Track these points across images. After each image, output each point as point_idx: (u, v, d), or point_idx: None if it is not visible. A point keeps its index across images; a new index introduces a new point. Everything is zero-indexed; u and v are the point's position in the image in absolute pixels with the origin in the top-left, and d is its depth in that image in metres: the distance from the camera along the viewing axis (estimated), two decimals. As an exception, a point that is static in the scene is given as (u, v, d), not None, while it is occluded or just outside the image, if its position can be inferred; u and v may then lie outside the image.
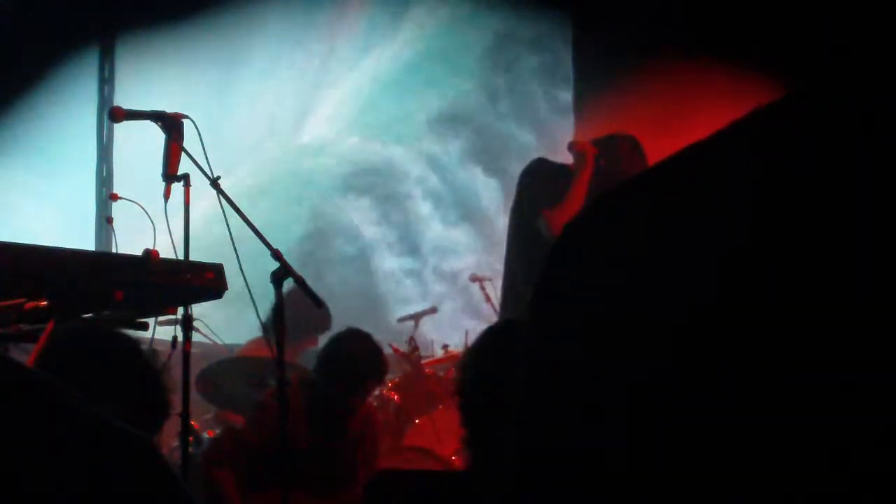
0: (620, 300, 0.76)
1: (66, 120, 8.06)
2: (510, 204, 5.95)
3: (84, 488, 1.15)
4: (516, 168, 6.27)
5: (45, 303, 3.34)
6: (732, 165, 0.77)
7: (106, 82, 8.23)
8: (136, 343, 2.80)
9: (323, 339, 7.70)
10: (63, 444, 1.16)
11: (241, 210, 4.07)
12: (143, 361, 2.72)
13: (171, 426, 4.11)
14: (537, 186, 5.61)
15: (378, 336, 5.24)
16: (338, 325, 6.29)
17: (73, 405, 1.19)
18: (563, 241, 0.84)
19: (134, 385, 2.61)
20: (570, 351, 0.79)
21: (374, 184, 9.38)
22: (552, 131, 8.92)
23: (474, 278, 7.47)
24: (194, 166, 4.04)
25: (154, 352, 2.84)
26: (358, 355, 4.98)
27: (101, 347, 2.71)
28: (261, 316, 4.39)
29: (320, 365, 5.02)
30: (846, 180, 0.71)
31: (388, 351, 6.34)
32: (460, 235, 9.17)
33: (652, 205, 0.79)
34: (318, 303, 4.10)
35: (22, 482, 1.12)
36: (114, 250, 4.31)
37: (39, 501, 1.13)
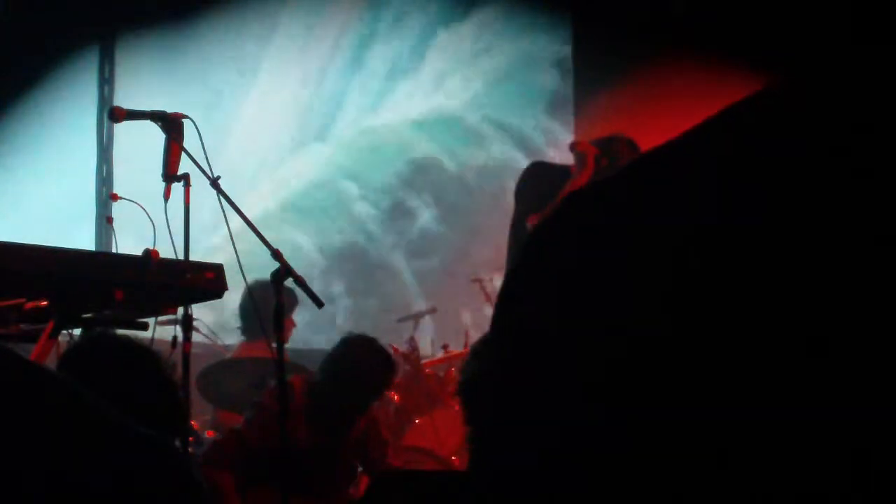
0: (587, 304, 0.75)
1: (66, 120, 8.06)
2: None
3: (96, 486, 1.15)
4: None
5: (45, 303, 3.34)
6: (704, 162, 0.77)
7: (106, 82, 8.23)
8: (156, 354, 2.81)
9: (317, 337, 7.70)
10: (75, 441, 1.16)
11: (241, 210, 4.07)
12: (162, 374, 2.72)
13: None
14: (532, 190, 5.60)
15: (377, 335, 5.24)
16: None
17: (86, 403, 1.19)
18: (530, 245, 0.82)
19: (151, 397, 2.61)
20: (531, 360, 0.78)
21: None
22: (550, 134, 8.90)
23: (474, 278, 7.46)
24: (194, 166, 4.04)
25: (173, 366, 2.84)
26: (369, 364, 4.95)
27: (122, 357, 2.71)
28: (254, 318, 4.39)
29: (328, 369, 4.99)
30: (817, 175, 0.71)
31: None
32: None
33: (621, 206, 0.78)
34: (318, 304, 4.10)
35: (30, 480, 1.12)
36: (114, 250, 4.31)
37: (49, 500, 1.13)
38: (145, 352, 2.78)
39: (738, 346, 0.69)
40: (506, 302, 0.82)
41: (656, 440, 0.70)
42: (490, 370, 0.81)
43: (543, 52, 9.07)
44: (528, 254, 0.82)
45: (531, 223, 5.41)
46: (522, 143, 9.08)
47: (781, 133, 0.74)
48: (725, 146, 0.76)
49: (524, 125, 9.10)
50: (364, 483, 5.30)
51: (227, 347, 6.95)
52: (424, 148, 9.10)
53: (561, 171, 5.67)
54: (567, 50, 8.88)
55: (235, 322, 6.72)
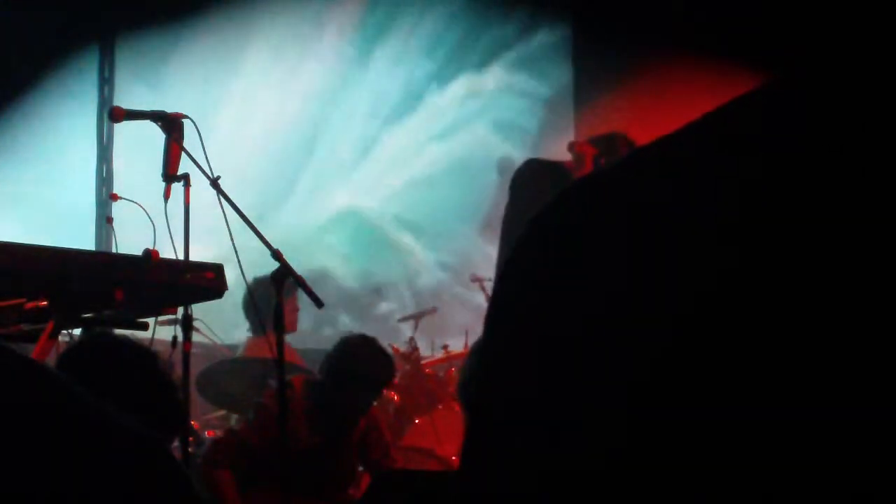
0: (581, 309, 0.74)
1: (66, 120, 8.06)
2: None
3: (89, 486, 1.15)
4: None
5: (45, 303, 3.34)
6: (704, 156, 0.76)
7: (106, 82, 8.24)
8: (154, 355, 2.81)
9: (318, 336, 7.69)
10: (70, 439, 1.16)
11: (241, 210, 4.07)
12: (161, 374, 2.73)
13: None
14: (529, 188, 5.57)
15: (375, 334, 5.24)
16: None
17: (80, 400, 1.19)
18: (526, 238, 0.80)
19: (150, 397, 2.61)
20: (520, 371, 0.76)
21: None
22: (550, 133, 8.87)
23: (474, 278, 7.46)
24: (194, 166, 4.04)
25: (172, 366, 2.85)
26: (368, 363, 4.95)
27: (120, 357, 2.72)
28: (257, 316, 4.40)
29: (329, 370, 4.99)
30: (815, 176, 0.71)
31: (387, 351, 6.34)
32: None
33: (621, 199, 0.77)
34: (318, 304, 4.10)
35: (25, 479, 1.12)
36: (114, 250, 4.32)
37: (44, 499, 1.13)
38: (143, 352, 2.78)
39: (748, 346, 0.69)
40: (501, 299, 0.80)
41: (677, 451, 0.69)
42: (485, 372, 0.79)
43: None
44: (524, 247, 0.80)
45: None
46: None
47: (780, 129, 0.74)
48: (725, 141, 0.76)
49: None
50: (365, 483, 5.30)
51: (229, 347, 6.95)
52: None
53: (558, 168, 5.64)
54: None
55: (232, 321, 6.73)
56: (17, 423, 1.15)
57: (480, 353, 0.82)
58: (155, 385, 2.68)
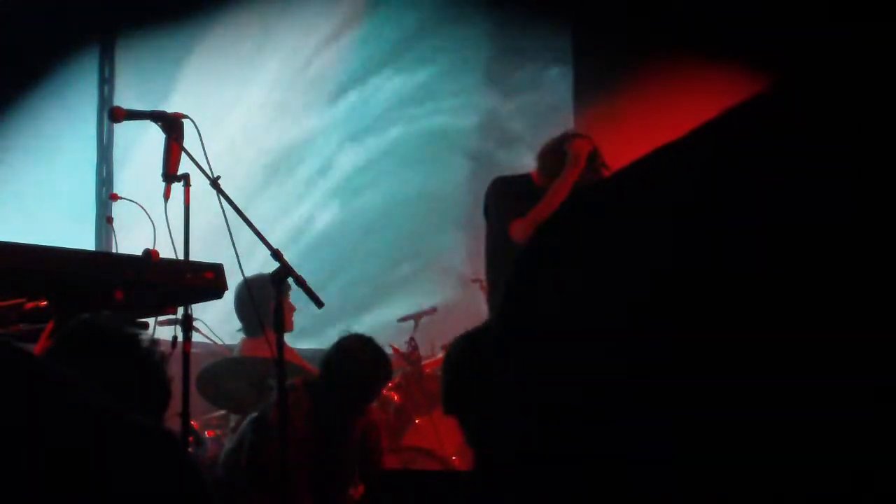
0: (580, 311, 0.76)
1: (66, 120, 8.06)
2: None
3: (99, 481, 1.15)
4: None
5: (45, 303, 3.34)
6: (693, 173, 0.77)
7: (106, 82, 8.24)
8: (135, 333, 2.80)
9: (320, 337, 7.69)
10: (77, 436, 1.17)
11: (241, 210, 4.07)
12: (142, 351, 2.72)
13: (171, 426, 4.12)
14: (499, 207, 5.62)
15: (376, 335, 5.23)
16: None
17: (88, 398, 1.19)
18: (533, 244, 0.82)
19: (132, 375, 2.60)
20: (531, 363, 0.78)
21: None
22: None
23: (475, 278, 7.45)
24: (194, 166, 4.04)
25: (154, 342, 2.83)
26: (363, 363, 4.95)
27: (101, 337, 2.71)
28: (253, 314, 4.40)
29: (326, 371, 4.99)
30: (802, 189, 0.71)
31: (387, 351, 6.33)
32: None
33: (612, 212, 0.79)
34: (318, 304, 4.10)
35: (36, 477, 1.13)
36: (114, 250, 4.32)
37: (55, 495, 1.13)
38: (125, 331, 2.77)
39: (741, 353, 0.69)
40: (513, 303, 0.82)
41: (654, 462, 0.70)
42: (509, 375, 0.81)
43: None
44: (530, 255, 0.82)
45: (515, 229, 5.40)
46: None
47: (782, 136, 0.74)
48: (726, 149, 0.76)
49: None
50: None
51: (228, 347, 6.94)
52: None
53: (523, 181, 5.68)
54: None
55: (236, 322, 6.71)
56: (28, 421, 1.15)
57: (485, 350, 0.85)
58: (139, 364, 2.66)
